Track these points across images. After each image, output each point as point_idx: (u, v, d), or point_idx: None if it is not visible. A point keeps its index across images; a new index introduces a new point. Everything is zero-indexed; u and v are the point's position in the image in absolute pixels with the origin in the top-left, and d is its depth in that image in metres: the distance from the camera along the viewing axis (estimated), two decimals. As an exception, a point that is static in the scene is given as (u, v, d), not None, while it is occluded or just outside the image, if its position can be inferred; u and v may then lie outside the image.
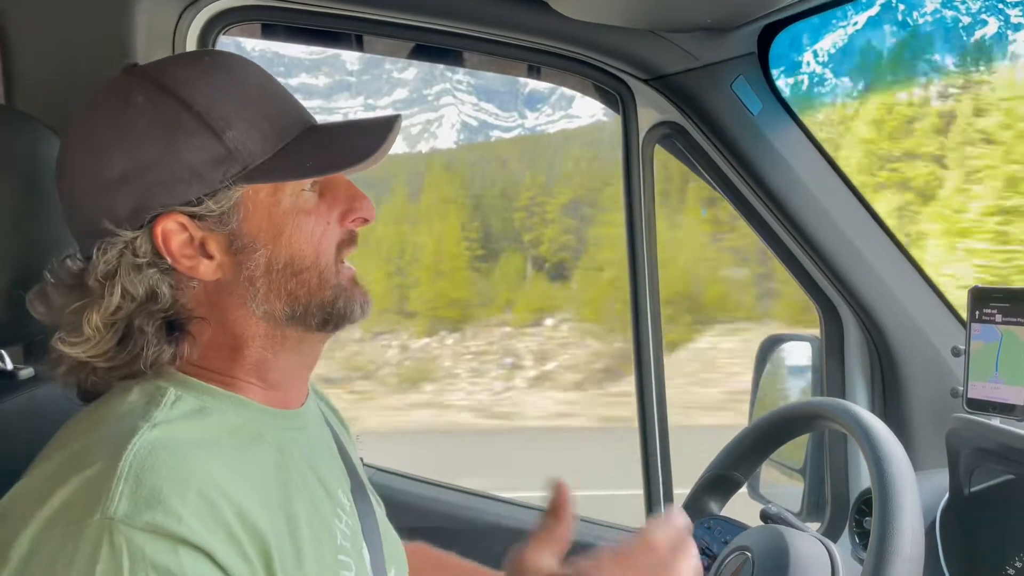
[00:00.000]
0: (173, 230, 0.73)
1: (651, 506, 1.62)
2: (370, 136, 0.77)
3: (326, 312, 0.79)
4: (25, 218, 0.86)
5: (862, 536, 1.35)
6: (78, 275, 0.74)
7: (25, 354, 1.14)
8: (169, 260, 0.74)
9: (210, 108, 0.73)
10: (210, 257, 0.75)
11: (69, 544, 0.62)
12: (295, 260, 0.77)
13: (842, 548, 1.08)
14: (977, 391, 1.22)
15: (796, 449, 1.61)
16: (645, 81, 1.47)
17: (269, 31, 1.47)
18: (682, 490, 1.36)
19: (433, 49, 1.52)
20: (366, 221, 0.81)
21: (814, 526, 1.55)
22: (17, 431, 0.89)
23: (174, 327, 0.76)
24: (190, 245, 0.74)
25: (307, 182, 0.77)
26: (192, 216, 0.73)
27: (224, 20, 1.35)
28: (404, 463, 1.66)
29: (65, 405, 0.96)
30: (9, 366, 0.97)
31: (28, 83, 1.23)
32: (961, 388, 1.24)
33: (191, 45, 1.33)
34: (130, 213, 0.73)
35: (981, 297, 1.24)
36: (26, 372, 0.97)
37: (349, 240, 0.81)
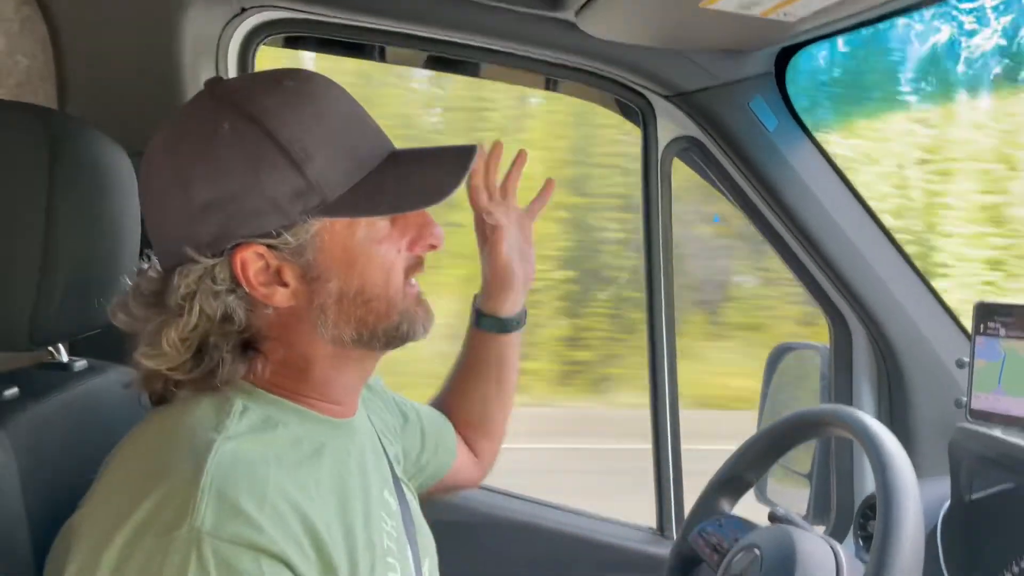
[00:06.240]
0: (251, 259, 0.75)
1: (662, 506, 1.67)
2: (446, 170, 0.78)
3: (390, 335, 0.82)
4: (76, 219, 0.89)
5: (866, 539, 1.38)
6: (158, 289, 0.77)
7: (71, 347, 1.19)
8: (246, 287, 0.75)
9: (292, 140, 0.74)
10: (285, 285, 0.77)
11: (158, 554, 0.64)
12: (366, 289, 0.79)
13: (847, 549, 1.12)
14: (980, 402, 1.25)
15: (804, 456, 1.64)
16: (666, 97, 1.51)
17: (295, 43, 1.51)
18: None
19: (454, 61, 1.55)
20: (434, 247, 0.83)
21: (819, 529, 1.59)
22: (75, 421, 0.92)
23: (247, 346, 0.78)
24: (266, 273, 0.76)
25: None
26: (270, 247, 0.75)
27: (265, 32, 1.40)
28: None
29: (118, 396, 1.00)
30: (65, 358, 1.00)
31: (80, 88, 1.28)
32: (965, 399, 1.27)
33: (233, 55, 1.39)
34: (211, 241, 0.74)
35: (986, 311, 1.27)
36: (80, 364, 1.00)
37: (417, 265, 0.83)
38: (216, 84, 0.79)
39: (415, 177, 0.79)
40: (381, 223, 0.79)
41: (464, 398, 1.19)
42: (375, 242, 0.79)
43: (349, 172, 0.77)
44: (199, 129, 0.76)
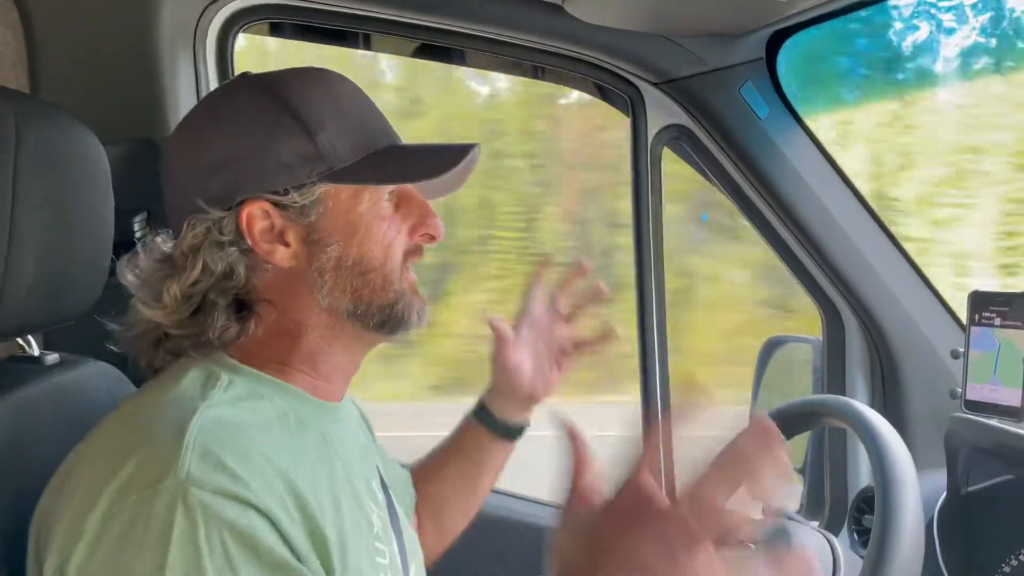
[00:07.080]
0: (257, 215, 0.79)
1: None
2: (447, 157, 0.83)
3: (385, 314, 0.84)
4: (44, 207, 0.87)
5: (860, 533, 1.37)
6: (168, 251, 0.82)
7: (45, 341, 1.16)
8: (249, 242, 0.79)
9: (308, 111, 0.80)
10: (287, 245, 0.80)
11: (144, 509, 0.64)
12: (364, 260, 0.82)
13: (841, 543, 1.10)
14: (975, 393, 1.25)
15: (796, 449, 1.63)
16: (655, 84, 1.50)
17: (278, 30, 1.50)
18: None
19: (440, 49, 1.54)
20: (433, 238, 0.87)
21: (813, 524, 1.58)
22: (46, 414, 0.90)
23: (243, 307, 0.81)
24: (270, 231, 0.80)
25: (385, 192, 0.83)
26: (276, 204, 0.79)
27: (244, 18, 1.37)
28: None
29: (91, 390, 0.99)
30: (36, 352, 0.98)
31: (53, 75, 1.26)
32: (960, 390, 1.27)
33: (211, 41, 1.36)
34: (221, 195, 0.79)
35: (981, 300, 1.27)
36: (52, 358, 0.98)
37: (415, 251, 0.86)
38: (244, 74, 0.86)
39: (416, 159, 0.84)
40: (384, 202, 0.83)
41: (431, 479, 1.15)
42: (377, 217, 0.83)
43: (357, 147, 0.82)
44: (221, 100, 0.84)
